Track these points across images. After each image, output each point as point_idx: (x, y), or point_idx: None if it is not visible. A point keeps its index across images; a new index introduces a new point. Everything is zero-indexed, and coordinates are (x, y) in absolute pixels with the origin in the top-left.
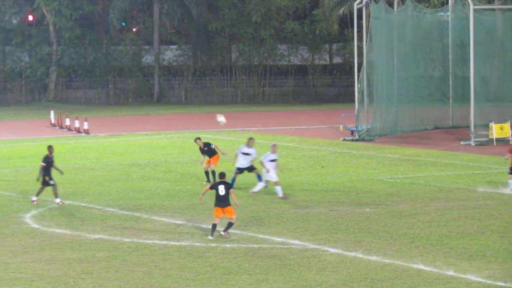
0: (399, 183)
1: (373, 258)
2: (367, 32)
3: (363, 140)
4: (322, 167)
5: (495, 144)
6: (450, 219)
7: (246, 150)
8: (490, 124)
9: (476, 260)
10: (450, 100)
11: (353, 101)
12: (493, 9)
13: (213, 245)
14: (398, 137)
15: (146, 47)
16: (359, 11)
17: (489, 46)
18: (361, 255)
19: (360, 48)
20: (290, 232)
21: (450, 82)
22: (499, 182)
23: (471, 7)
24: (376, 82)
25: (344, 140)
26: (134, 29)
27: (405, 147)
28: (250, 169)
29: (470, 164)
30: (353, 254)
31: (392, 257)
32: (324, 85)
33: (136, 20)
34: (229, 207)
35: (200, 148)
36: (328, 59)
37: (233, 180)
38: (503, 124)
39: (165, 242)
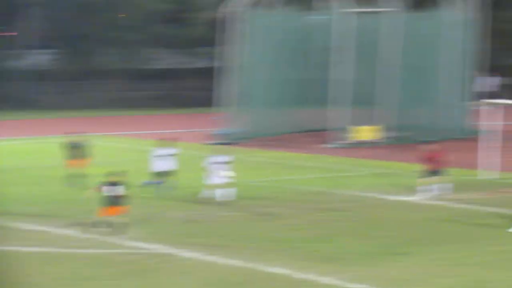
0: (263, 186)
1: (231, 261)
2: (239, 36)
3: (231, 143)
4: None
5: (357, 146)
6: (309, 222)
7: (162, 151)
8: (353, 127)
9: (334, 263)
10: (316, 103)
11: (223, 105)
12: (360, 13)
13: (70, 251)
14: (266, 140)
15: (16, 51)
16: (232, 14)
17: (364, 48)
18: (219, 259)
19: (231, 52)
20: (147, 236)
21: (316, 85)
22: (362, 184)
23: (346, 10)
24: (246, 85)
25: (212, 143)
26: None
27: (272, 150)
28: (168, 173)
29: (334, 166)
30: (210, 258)
31: (250, 260)
32: (194, 88)
33: (7, 23)
34: (117, 207)
35: (69, 143)
36: (198, 62)
37: (151, 182)
38: (366, 127)
39: (25, 248)
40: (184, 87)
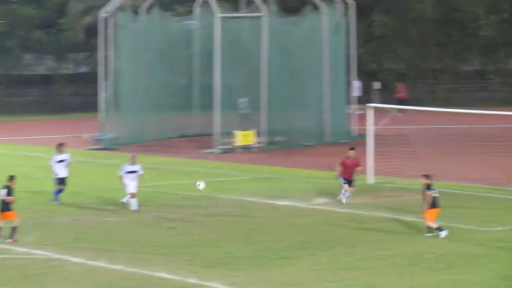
0: (144, 192)
1: (117, 267)
2: (113, 41)
3: (108, 149)
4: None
5: (239, 151)
6: (194, 227)
7: (59, 157)
8: (235, 131)
9: (219, 268)
10: (195, 108)
11: (100, 110)
12: (239, 17)
13: None
14: (143, 145)
15: None
16: (106, 20)
17: (235, 54)
18: (104, 264)
19: (106, 57)
20: (33, 242)
21: (196, 90)
22: (244, 189)
23: (217, 15)
24: (122, 90)
25: (89, 149)
26: None
27: (150, 155)
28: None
29: (215, 171)
30: (96, 263)
31: (135, 265)
32: (70, 94)
33: None
34: (7, 212)
35: None
36: (74, 68)
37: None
38: (247, 132)
39: None
40: (63, 92)
